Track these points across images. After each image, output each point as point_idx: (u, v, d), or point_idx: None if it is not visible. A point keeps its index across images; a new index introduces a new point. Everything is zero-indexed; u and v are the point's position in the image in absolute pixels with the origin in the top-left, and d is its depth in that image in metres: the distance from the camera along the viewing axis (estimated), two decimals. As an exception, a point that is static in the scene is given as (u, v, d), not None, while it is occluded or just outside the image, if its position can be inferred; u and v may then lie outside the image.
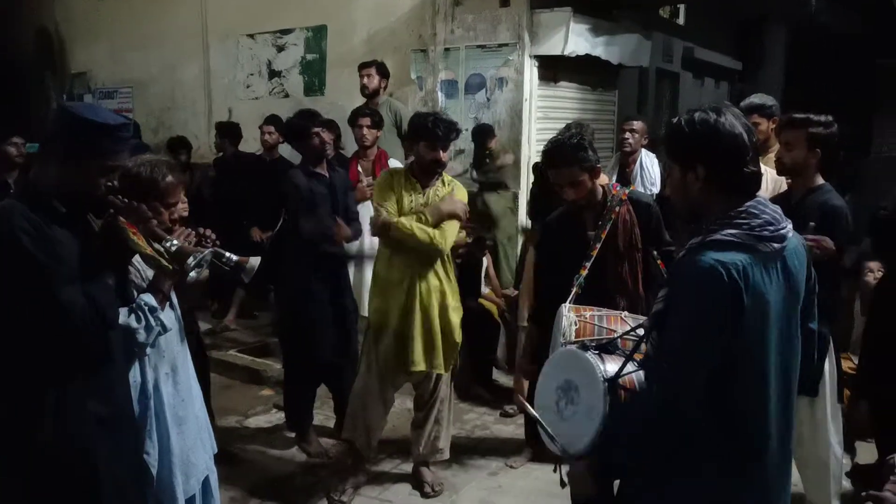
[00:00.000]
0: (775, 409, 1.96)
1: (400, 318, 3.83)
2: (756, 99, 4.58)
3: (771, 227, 1.90)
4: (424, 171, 3.84)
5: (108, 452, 2.15)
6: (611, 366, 2.20)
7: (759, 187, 1.97)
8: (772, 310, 1.90)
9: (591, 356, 2.26)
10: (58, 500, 2.11)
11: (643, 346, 2.17)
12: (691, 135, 1.95)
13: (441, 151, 3.77)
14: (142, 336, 2.36)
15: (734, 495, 1.96)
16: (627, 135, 5.59)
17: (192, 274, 2.38)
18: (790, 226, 1.97)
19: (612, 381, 2.12)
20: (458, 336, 3.96)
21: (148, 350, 2.47)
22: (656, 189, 5.46)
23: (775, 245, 1.91)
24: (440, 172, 3.88)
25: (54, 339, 2.03)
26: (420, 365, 3.82)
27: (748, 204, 1.92)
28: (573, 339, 2.71)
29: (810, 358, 2.17)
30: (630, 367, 2.16)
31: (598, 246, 3.21)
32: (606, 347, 2.35)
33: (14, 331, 2.03)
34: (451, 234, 3.82)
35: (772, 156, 4.38)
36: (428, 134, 3.73)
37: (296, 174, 4.38)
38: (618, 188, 3.37)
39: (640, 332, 2.27)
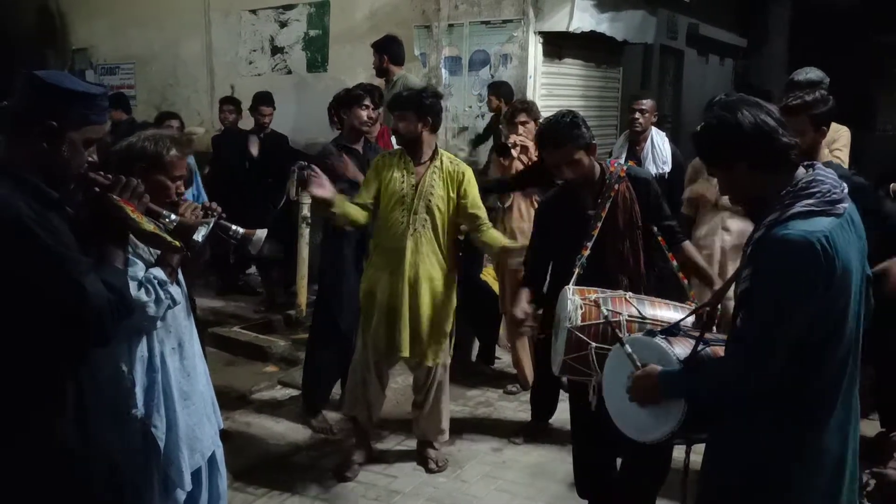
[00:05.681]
0: (847, 372, 2.00)
1: (388, 303, 3.82)
2: (799, 76, 4.49)
3: (837, 190, 1.97)
4: (405, 145, 3.84)
5: (122, 432, 2.12)
6: (679, 349, 2.24)
7: (798, 152, 2.01)
8: (854, 270, 1.95)
9: (660, 341, 2.29)
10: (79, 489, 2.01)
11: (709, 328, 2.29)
12: (721, 140, 2.03)
13: (413, 122, 3.76)
14: (152, 310, 2.35)
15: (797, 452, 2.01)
16: (637, 114, 5.38)
17: (199, 240, 2.34)
18: (846, 184, 2.03)
19: (688, 364, 2.17)
20: (448, 326, 3.93)
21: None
22: (668, 167, 5.37)
23: (844, 205, 1.97)
24: (420, 146, 3.80)
25: (74, 329, 1.89)
26: (406, 352, 3.82)
27: (815, 173, 1.99)
28: (579, 323, 2.73)
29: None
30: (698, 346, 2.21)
31: (599, 225, 3.16)
32: (671, 331, 2.40)
33: (32, 324, 1.88)
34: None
35: None
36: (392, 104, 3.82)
37: (328, 148, 4.42)
38: (616, 165, 3.32)
39: (692, 318, 2.45)
